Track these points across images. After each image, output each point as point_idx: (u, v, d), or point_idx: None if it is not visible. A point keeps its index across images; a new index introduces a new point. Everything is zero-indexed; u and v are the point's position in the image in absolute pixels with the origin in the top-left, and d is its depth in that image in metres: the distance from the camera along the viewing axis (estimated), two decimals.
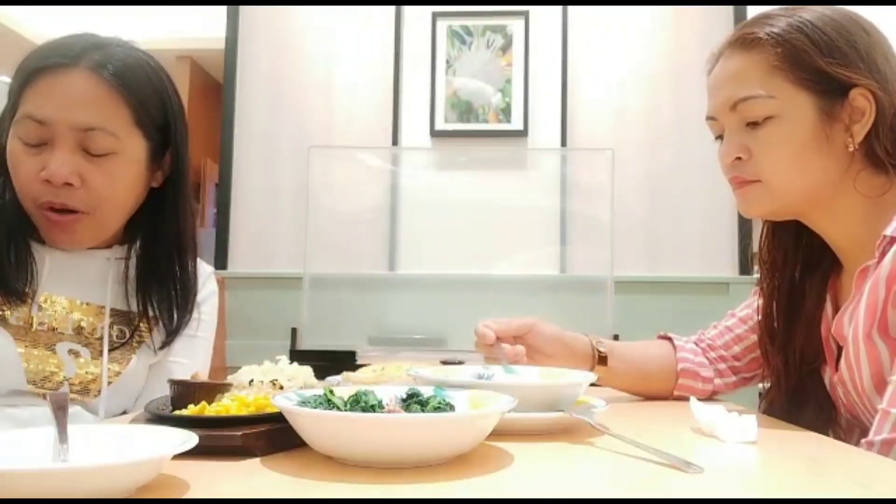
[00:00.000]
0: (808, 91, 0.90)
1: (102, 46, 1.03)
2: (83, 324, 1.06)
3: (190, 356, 1.17)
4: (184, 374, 1.07)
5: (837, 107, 0.89)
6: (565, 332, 1.10)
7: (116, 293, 1.10)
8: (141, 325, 1.11)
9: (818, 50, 0.89)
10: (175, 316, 1.12)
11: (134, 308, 1.11)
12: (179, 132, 1.10)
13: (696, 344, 1.20)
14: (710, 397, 1.15)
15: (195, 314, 1.17)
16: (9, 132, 1.02)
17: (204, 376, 1.17)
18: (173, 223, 1.12)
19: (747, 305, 1.17)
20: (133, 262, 1.12)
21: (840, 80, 0.89)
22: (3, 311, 1.00)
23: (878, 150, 0.89)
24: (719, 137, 1.00)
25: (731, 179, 0.98)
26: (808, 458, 0.71)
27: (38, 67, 1.00)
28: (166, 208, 1.11)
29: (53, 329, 1.04)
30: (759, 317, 1.08)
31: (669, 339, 1.20)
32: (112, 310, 1.09)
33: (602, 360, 1.11)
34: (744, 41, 0.94)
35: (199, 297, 1.18)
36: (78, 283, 1.08)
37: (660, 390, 1.16)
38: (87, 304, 1.08)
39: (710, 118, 1.00)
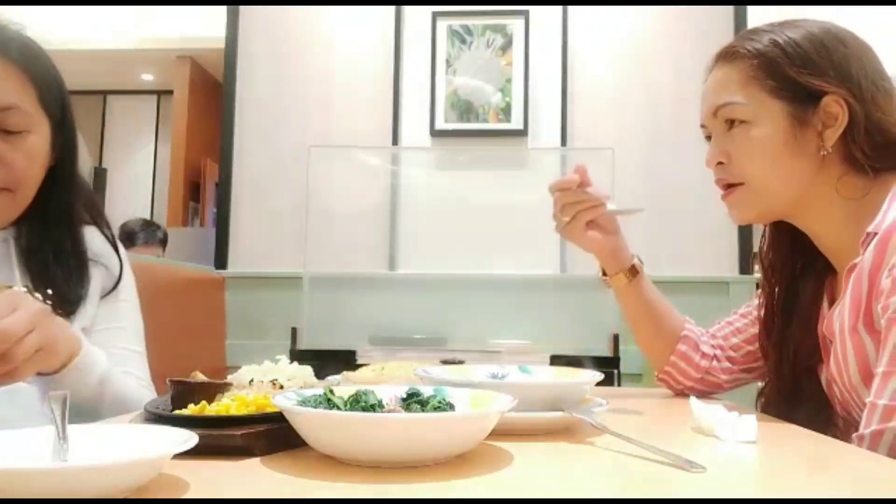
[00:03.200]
0: (780, 99, 0.96)
1: (1, 27, 1.05)
2: None
3: (118, 319, 1.17)
4: (119, 338, 1.13)
5: (809, 113, 0.95)
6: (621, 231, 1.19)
7: (21, 272, 1.10)
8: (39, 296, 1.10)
9: (790, 61, 0.96)
10: (72, 286, 1.12)
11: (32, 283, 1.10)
12: (70, 109, 1.13)
13: None
14: (704, 389, 1.17)
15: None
16: None
17: (141, 336, 1.19)
18: (66, 195, 1.13)
19: (748, 304, 1.20)
20: (24, 240, 1.11)
21: (810, 89, 0.95)
22: None
23: (856, 152, 0.94)
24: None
25: (717, 182, 1.04)
26: (808, 457, 0.71)
27: None
28: (61, 182, 1.12)
29: None
30: (761, 313, 1.11)
31: None
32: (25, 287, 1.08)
33: (634, 271, 1.18)
34: (727, 55, 1.02)
35: (115, 264, 1.18)
36: None
37: (659, 343, 1.18)
38: None
39: (701, 125, 1.08)
